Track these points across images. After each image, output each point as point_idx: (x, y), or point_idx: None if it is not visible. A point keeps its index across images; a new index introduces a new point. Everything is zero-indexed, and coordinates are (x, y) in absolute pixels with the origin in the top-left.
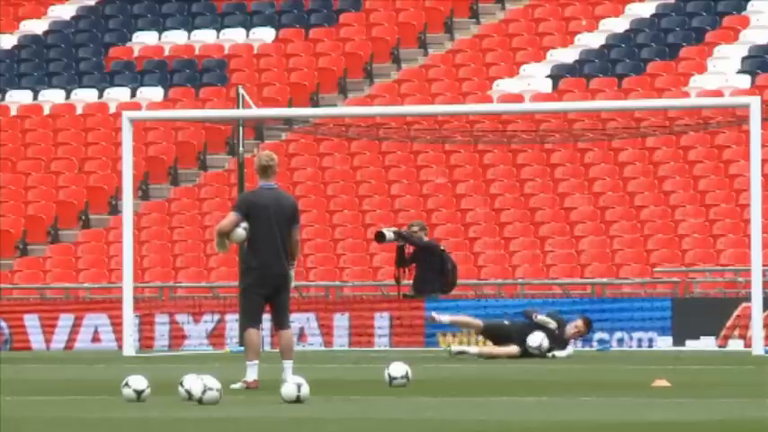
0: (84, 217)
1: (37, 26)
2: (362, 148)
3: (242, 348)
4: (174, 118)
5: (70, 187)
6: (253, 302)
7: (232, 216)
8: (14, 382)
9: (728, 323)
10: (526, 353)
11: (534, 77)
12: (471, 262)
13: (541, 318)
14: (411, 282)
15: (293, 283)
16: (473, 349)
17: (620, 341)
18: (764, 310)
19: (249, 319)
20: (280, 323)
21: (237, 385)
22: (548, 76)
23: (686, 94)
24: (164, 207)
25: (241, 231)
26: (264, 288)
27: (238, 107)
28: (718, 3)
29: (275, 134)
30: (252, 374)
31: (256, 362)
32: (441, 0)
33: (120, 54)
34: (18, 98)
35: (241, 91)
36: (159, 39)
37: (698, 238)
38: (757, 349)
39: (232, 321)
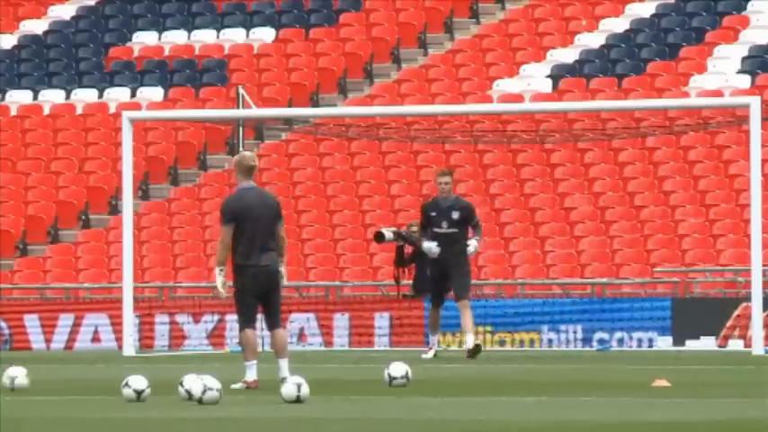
0: (84, 217)
1: (37, 26)
2: (362, 148)
3: (242, 348)
4: (174, 118)
5: (70, 187)
6: (247, 303)
7: (225, 230)
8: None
9: (728, 323)
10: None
11: (534, 77)
12: (471, 262)
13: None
14: (411, 282)
15: (285, 281)
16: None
17: (620, 341)
18: (764, 310)
19: (245, 320)
20: (272, 323)
21: (238, 385)
22: (548, 76)
23: (686, 94)
24: (164, 207)
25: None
26: (257, 287)
27: (238, 107)
28: (718, 3)
29: (275, 134)
30: (251, 374)
31: (255, 362)
32: (441, 0)
33: (120, 54)
34: (18, 98)
35: (241, 91)
36: (159, 39)
37: (698, 238)
38: (757, 349)
39: (232, 321)
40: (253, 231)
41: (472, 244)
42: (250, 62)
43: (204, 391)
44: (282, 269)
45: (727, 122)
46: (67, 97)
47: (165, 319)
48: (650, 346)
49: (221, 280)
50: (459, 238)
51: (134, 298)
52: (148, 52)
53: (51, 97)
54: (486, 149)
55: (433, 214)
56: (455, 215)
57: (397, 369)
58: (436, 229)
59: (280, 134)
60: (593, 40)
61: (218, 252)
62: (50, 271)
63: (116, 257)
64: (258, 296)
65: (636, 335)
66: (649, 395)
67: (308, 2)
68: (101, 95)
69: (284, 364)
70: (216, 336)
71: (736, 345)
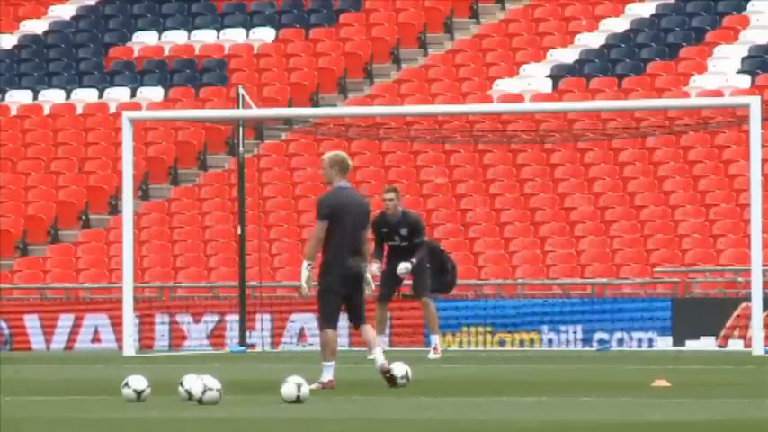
0: (84, 217)
1: (37, 26)
2: (362, 148)
3: (242, 348)
4: (174, 118)
5: (70, 187)
6: (332, 303)
7: (320, 225)
8: (14, 382)
9: (728, 323)
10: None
11: (534, 77)
12: (471, 262)
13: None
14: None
15: (372, 287)
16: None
17: (620, 341)
18: (764, 310)
19: (327, 320)
20: (358, 320)
21: (313, 386)
22: (548, 76)
23: (686, 94)
24: (164, 207)
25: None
26: (345, 288)
27: (238, 107)
28: (718, 3)
29: (275, 134)
30: (328, 375)
31: (333, 362)
32: (441, 0)
33: (120, 54)
34: (18, 98)
35: (241, 91)
36: (159, 39)
37: (698, 238)
38: (757, 349)
39: (232, 321)
40: (344, 231)
41: (403, 266)
42: (250, 62)
43: (204, 391)
44: (368, 275)
45: (727, 122)
46: (67, 97)
47: (165, 319)
48: (650, 346)
49: (306, 275)
50: (413, 249)
51: (134, 298)
52: (148, 52)
53: (51, 97)
54: (486, 149)
55: (385, 230)
56: (404, 231)
57: (397, 369)
58: (390, 243)
59: (280, 134)
60: (593, 40)
61: (309, 247)
62: (50, 271)
63: (116, 257)
64: (342, 297)
65: (636, 335)
66: (649, 395)
67: (308, 2)
68: (101, 95)
69: (378, 352)
70: (216, 336)
71: (736, 345)
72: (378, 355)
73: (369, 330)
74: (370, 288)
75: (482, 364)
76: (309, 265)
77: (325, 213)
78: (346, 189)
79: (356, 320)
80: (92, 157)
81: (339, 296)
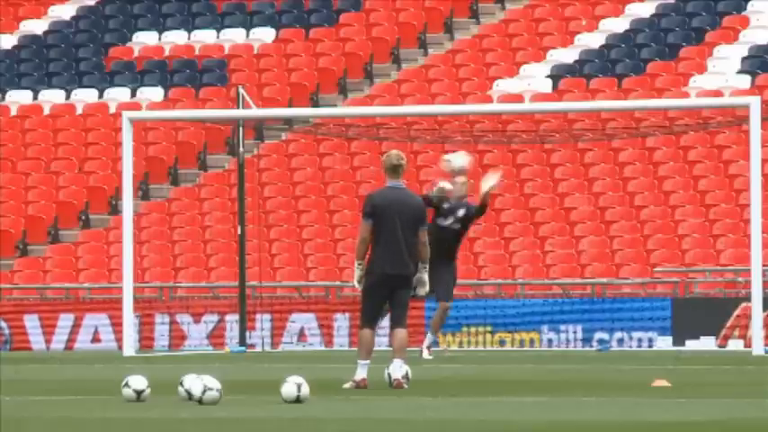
0: (84, 217)
1: (37, 26)
2: (362, 148)
3: (242, 348)
4: (174, 118)
5: (70, 187)
6: (370, 304)
7: (363, 224)
8: (14, 382)
9: (728, 323)
10: None
11: (534, 77)
12: (471, 262)
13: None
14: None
15: (426, 288)
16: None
17: (620, 341)
18: (764, 310)
19: (365, 320)
20: (394, 322)
21: (347, 385)
22: (548, 76)
23: (686, 94)
24: (164, 207)
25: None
26: (384, 289)
27: (238, 107)
28: (718, 3)
29: (275, 134)
30: (361, 373)
31: (368, 362)
32: (441, 0)
33: (120, 54)
34: (18, 98)
35: (241, 91)
36: (159, 39)
37: (698, 238)
38: (757, 349)
39: (232, 321)
40: (388, 231)
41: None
42: (250, 62)
43: (204, 391)
44: (425, 276)
45: (727, 122)
46: (67, 97)
47: (165, 319)
48: (650, 346)
49: (358, 274)
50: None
51: (134, 298)
52: (148, 52)
53: (51, 97)
54: (486, 149)
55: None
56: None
57: (397, 369)
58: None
59: (280, 134)
60: (593, 40)
61: (356, 246)
62: (50, 271)
63: (116, 257)
64: (384, 298)
65: (636, 335)
66: (649, 395)
67: (308, 2)
68: (101, 95)
69: (398, 363)
70: (216, 336)
71: (736, 345)
72: (396, 368)
73: (399, 336)
74: (425, 289)
75: (482, 364)
76: (360, 264)
77: (366, 212)
78: (395, 188)
79: (393, 323)
80: (92, 157)
81: (380, 297)
